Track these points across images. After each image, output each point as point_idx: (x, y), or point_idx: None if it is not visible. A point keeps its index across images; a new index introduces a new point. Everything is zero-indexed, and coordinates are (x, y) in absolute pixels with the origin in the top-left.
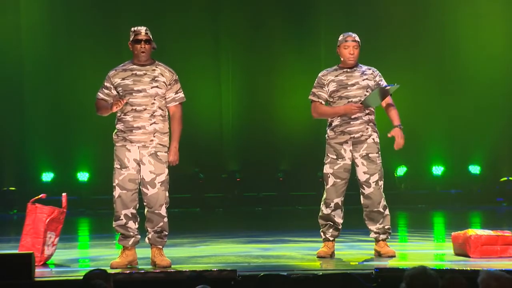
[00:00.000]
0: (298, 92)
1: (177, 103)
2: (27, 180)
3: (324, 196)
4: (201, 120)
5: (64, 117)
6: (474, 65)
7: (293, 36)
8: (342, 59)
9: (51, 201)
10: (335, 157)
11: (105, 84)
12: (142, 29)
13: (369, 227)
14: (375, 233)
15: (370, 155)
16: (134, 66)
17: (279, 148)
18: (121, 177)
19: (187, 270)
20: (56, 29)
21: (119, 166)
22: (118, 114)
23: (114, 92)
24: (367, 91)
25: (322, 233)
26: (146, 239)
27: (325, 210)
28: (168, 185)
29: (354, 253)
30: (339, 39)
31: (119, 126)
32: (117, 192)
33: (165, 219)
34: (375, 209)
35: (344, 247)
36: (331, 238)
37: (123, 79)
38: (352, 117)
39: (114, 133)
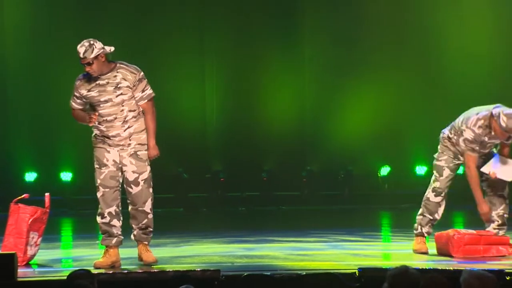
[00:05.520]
0: (283, 92)
1: (146, 100)
2: (10, 180)
3: (437, 185)
4: (184, 119)
5: (47, 117)
6: (458, 66)
7: (278, 35)
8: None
9: (34, 201)
10: (452, 156)
11: (75, 93)
12: (80, 52)
13: None
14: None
15: None
16: (97, 76)
17: (263, 148)
18: (102, 176)
19: (170, 270)
20: (39, 29)
21: (98, 166)
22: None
23: (86, 100)
24: None
25: (419, 226)
26: (132, 236)
27: (434, 198)
28: (151, 182)
29: (337, 252)
30: (503, 125)
31: (96, 131)
32: (100, 192)
33: (150, 216)
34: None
35: (328, 246)
36: (426, 235)
37: (89, 90)
38: None
39: (92, 135)
